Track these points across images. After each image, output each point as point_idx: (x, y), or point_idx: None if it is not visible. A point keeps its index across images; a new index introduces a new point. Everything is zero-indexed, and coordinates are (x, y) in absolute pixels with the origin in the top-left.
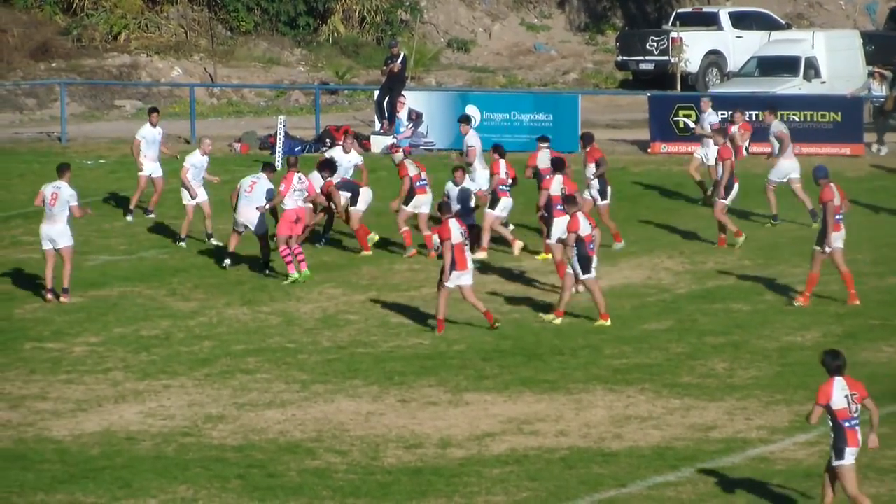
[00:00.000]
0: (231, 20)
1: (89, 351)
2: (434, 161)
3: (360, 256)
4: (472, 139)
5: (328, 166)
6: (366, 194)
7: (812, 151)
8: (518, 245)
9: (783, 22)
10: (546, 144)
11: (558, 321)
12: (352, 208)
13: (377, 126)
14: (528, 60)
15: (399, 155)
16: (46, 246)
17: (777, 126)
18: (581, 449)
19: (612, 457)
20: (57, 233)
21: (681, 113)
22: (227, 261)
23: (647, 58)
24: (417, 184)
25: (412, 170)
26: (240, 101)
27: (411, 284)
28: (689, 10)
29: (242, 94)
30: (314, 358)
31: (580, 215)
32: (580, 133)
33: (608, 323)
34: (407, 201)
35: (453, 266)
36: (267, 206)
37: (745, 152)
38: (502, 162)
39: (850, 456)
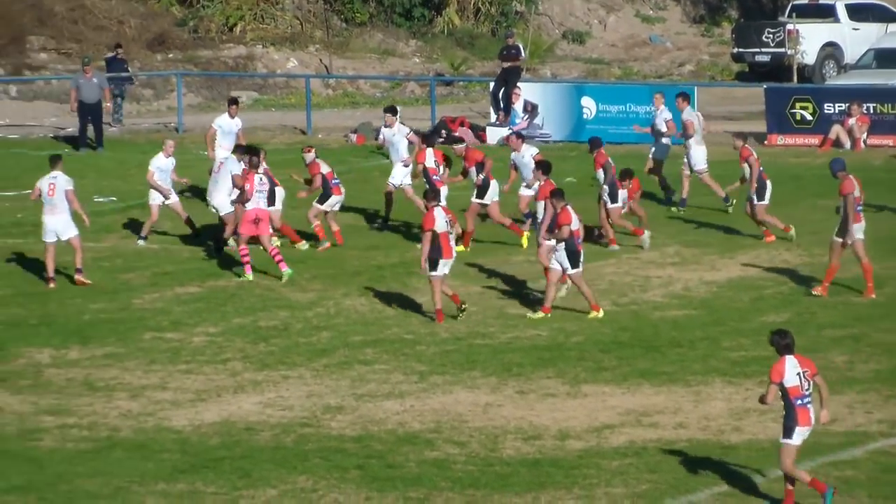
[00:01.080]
0: (346, 11)
1: (208, 341)
2: (551, 153)
3: (476, 248)
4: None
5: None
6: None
7: None
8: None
9: None
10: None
11: (540, 316)
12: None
13: (493, 117)
14: (644, 52)
15: (310, 155)
16: (51, 238)
17: (688, 114)
18: (700, 441)
19: (731, 449)
20: (62, 224)
21: (797, 105)
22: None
23: (764, 50)
24: (332, 182)
25: (324, 168)
26: (355, 92)
27: (529, 276)
28: (805, 1)
29: (358, 85)
30: (432, 349)
31: (570, 209)
32: (588, 137)
33: (601, 314)
34: (322, 200)
35: (440, 254)
36: (235, 200)
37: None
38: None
39: (797, 436)
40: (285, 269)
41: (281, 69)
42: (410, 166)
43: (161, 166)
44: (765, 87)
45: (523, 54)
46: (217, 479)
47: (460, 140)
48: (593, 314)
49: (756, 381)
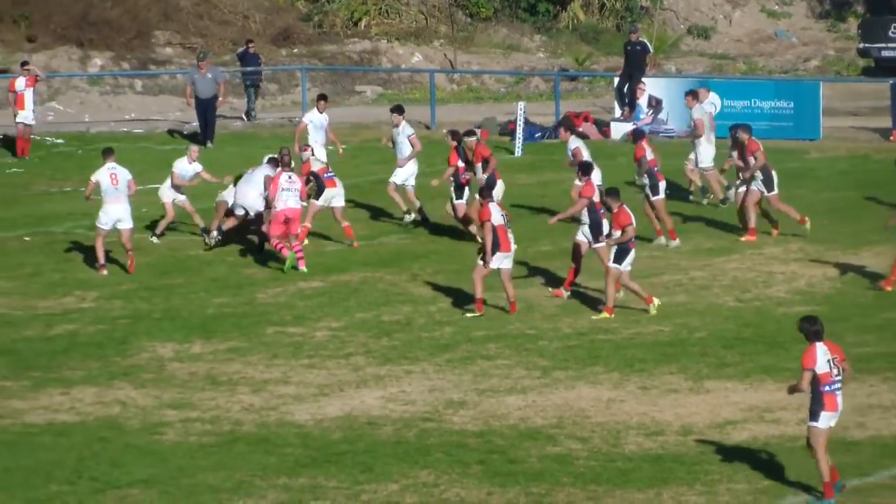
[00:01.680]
0: (471, 6)
1: (331, 336)
2: (674, 148)
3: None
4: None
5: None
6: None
7: None
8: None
9: None
10: None
11: (604, 316)
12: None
13: (617, 113)
14: (769, 47)
15: (307, 153)
16: (108, 226)
17: (698, 112)
18: None
19: (854, 446)
20: (125, 212)
21: None
22: (215, 233)
23: (890, 45)
24: (325, 176)
25: (317, 165)
26: (479, 87)
27: (651, 271)
28: None
29: (482, 80)
30: (554, 344)
31: (626, 207)
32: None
33: (610, 316)
34: (317, 196)
35: (497, 247)
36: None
37: None
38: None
39: (824, 420)
40: (286, 255)
41: (405, 64)
42: (415, 165)
43: (181, 171)
44: (891, 82)
45: (649, 49)
46: (339, 473)
47: (472, 133)
48: (603, 315)
49: (880, 378)
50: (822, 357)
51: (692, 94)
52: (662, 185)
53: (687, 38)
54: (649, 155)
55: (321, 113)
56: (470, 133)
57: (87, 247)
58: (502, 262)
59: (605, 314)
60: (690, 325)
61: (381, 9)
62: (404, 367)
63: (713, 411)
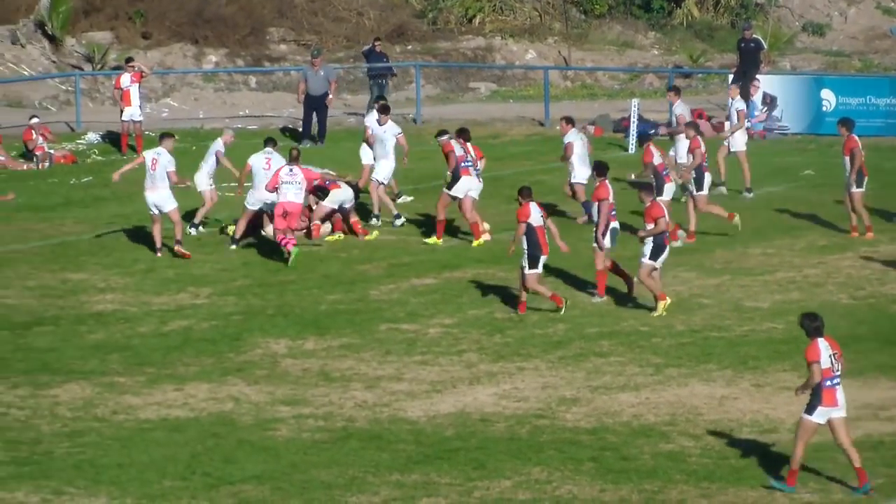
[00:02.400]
0: (585, 3)
1: (444, 332)
2: (789, 145)
3: (711, 240)
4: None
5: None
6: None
7: None
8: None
9: None
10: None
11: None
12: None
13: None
14: (885, 45)
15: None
16: (154, 210)
17: (680, 107)
18: None
19: None
20: (161, 199)
21: None
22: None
23: None
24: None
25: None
26: (593, 83)
27: (765, 268)
28: None
29: (596, 76)
30: (668, 341)
31: (608, 183)
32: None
33: (667, 302)
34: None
35: (539, 250)
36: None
37: None
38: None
39: (819, 415)
40: (292, 249)
41: (519, 61)
42: (394, 163)
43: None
44: None
45: (764, 46)
46: (451, 469)
47: (444, 132)
48: (661, 305)
49: None
50: (824, 352)
51: (674, 90)
52: (668, 186)
53: (801, 36)
54: (657, 159)
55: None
56: (442, 133)
57: (200, 243)
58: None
59: (661, 305)
60: None
61: (495, 5)
62: (517, 363)
63: None
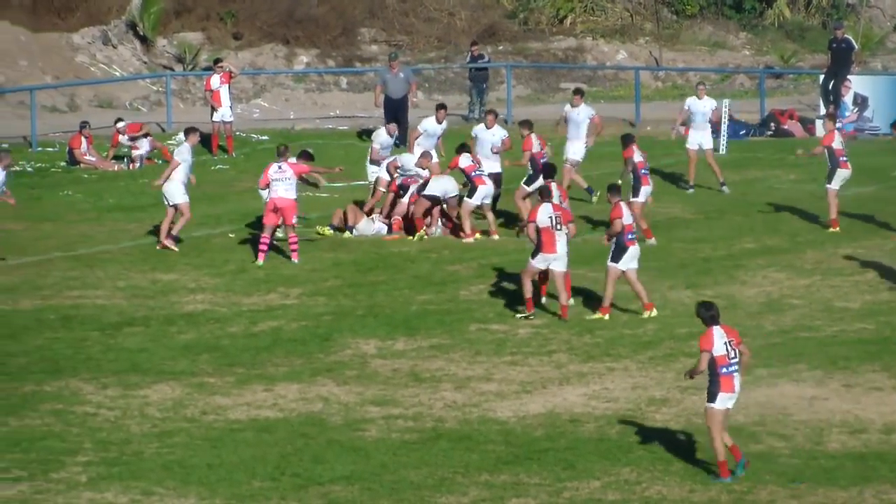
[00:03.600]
0: (677, 4)
1: (534, 333)
2: (879, 146)
3: (802, 240)
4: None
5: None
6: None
7: None
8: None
9: None
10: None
11: (598, 317)
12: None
13: (822, 110)
14: None
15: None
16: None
17: (587, 110)
18: None
19: None
20: (169, 191)
21: None
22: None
23: None
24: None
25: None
26: (684, 84)
27: (855, 269)
28: None
29: (687, 77)
30: (757, 342)
31: (623, 204)
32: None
33: (653, 313)
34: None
35: (538, 249)
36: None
37: None
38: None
39: (720, 402)
40: (260, 260)
41: (610, 61)
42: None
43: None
44: None
45: (855, 46)
46: (541, 470)
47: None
48: (598, 316)
49: None
50: (718, 340)
51: (579, 94)
52: (645, 189)
53: (893, 36)
54: (637, 157)
55: (439, 123)
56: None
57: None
58: (551, 263)
59: (599, 314)
60: (894, 324)
61: (586, 6)
62: (607, 364)
63: None
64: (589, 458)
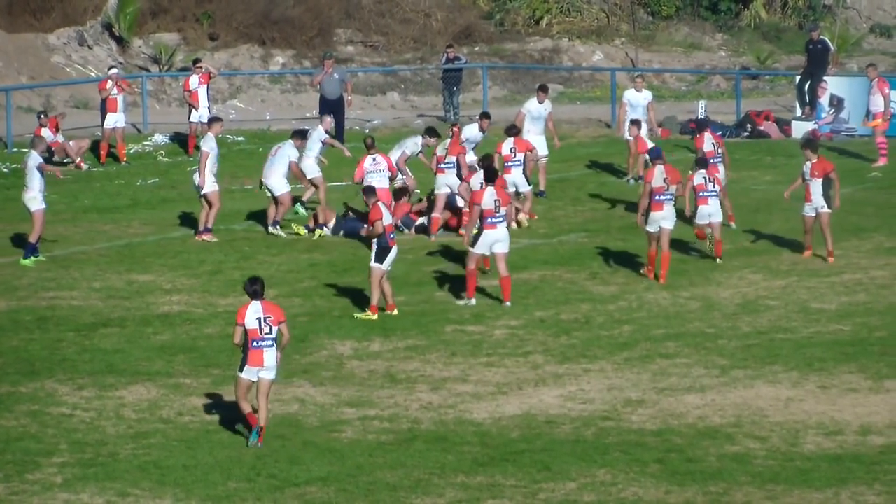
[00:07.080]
0: (652, 5)
1: (510, 334)
2: (858, 146)
3: (779, 242)
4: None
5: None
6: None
7: None
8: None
9: None
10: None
11: (367, 316)
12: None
13: (798, 111)
14: None
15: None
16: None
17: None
18: None
19: None
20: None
21: None
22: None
23: None
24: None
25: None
26: (661, 85)
27: (831, 270)
28: None
29: (663, 78)
30: (734, 343)
31: (381, 205)
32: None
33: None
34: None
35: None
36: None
37: None
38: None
39: (246, 373)
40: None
41: (586, 62)
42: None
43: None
44: None
45: (831, 48)
46: (517, 471)
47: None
48: (367, 315)
49: None
50: (251, 315)
51: (542, 89)
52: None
53: (869, 37)
54: (707, 146)
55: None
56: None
57: (266, 243)
58: (493, 246)
59: (368, 313)
60: (870, 325)
61: (562, 7)
62: (583, 365)
63: (893, 411)
64: (565, 459)
